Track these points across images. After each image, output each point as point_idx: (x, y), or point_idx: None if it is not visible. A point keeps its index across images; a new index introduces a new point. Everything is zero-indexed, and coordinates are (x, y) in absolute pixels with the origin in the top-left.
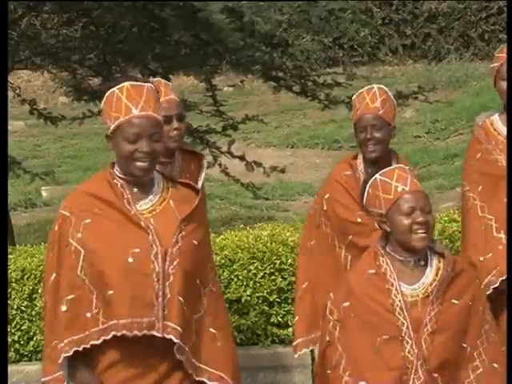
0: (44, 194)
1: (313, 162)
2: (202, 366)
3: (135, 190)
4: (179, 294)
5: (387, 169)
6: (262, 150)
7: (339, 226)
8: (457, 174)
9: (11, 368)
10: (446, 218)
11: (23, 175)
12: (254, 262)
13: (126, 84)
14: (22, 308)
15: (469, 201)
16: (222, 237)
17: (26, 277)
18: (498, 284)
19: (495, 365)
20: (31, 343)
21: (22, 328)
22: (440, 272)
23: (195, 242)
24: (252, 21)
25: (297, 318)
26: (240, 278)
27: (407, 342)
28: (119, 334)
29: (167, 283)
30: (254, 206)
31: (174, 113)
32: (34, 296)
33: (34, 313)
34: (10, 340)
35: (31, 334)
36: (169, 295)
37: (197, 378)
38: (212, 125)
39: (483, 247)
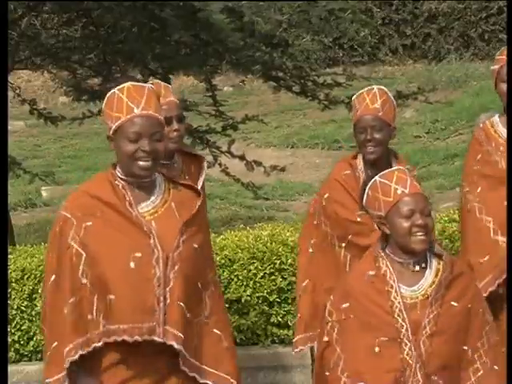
0: (44, 194)
1: (313, 162)
2: (205, 367)
3: (137, 191)
4: (179, 298)
5: (387, 171)
6: (262, 150)
7: (339, 225)
8: (457, 174)
9: (11, 368)
10: (446, 218)
11: (23, 175)
12: (254, 262)
13: (127, 84)
14: (22, 308)
15: (468, 202)
16: (222, 237)
17: (26, 277)
18: (495, 287)
19: (496, 367)
20: (31, 343)
21: (22, 328)
22: (439, 274)
23: (196, 246)
24: (252, 21)
25: (298, 315)
26: (240, 278)
27: (406, 344)
28: (120, 339)
29: (168, 288)
30: (254, 206)
31: (174, 114)
32: (34, 296)
33: (34, 313)
34: (10, 340)
35: (31, 333)
36: (169, 300)
37: (201, 381)
38: (212, 125)
39: (481, 249)
